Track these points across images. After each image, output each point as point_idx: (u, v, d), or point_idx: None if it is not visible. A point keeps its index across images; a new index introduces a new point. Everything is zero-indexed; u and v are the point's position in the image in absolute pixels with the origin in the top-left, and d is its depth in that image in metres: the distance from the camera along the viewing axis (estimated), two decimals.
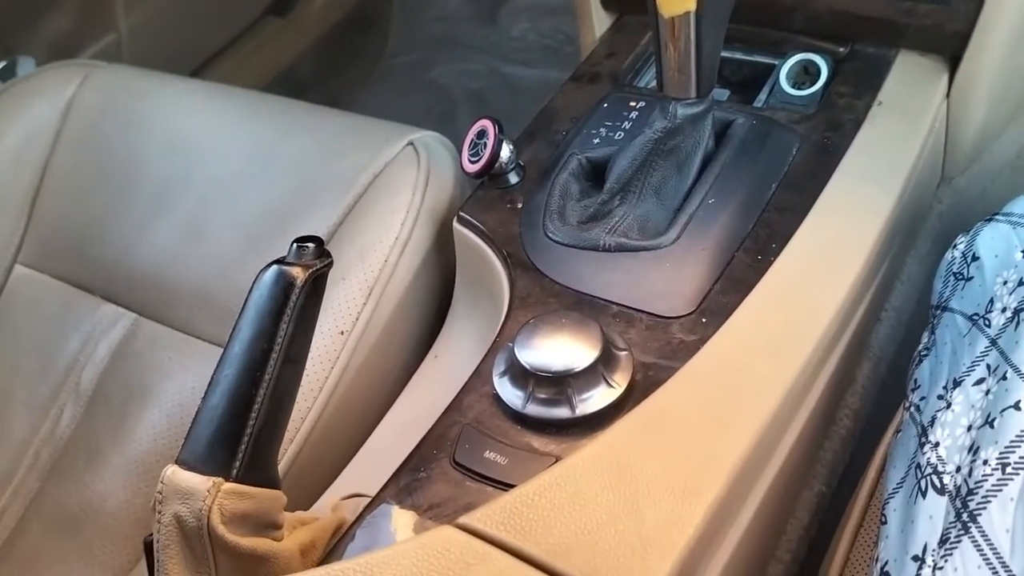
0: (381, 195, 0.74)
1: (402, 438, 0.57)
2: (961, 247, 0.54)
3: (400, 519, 0.49)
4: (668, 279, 0.56)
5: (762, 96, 0.69)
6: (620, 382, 0.50)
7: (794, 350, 0.50)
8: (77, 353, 0.83)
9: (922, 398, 0.47)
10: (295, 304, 0.48)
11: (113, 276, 0.85)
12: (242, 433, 0.46)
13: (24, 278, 0.90)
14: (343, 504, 0.59)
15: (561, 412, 0.49)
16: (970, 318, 0.49)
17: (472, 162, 0.66)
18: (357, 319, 0.69)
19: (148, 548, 0.49)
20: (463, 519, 0.40)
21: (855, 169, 0.61)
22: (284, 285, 0.48)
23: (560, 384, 0.49)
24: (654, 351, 0.52)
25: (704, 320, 0.53)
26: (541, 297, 0.58)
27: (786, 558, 0.54)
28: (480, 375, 0.55)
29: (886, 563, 0.40)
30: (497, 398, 0.52)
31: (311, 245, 0.49)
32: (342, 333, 0.69)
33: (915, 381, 0.50)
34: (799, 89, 0.67)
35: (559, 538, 0.39)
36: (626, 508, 0.40)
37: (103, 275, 0.85)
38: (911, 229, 0.66)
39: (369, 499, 0.53)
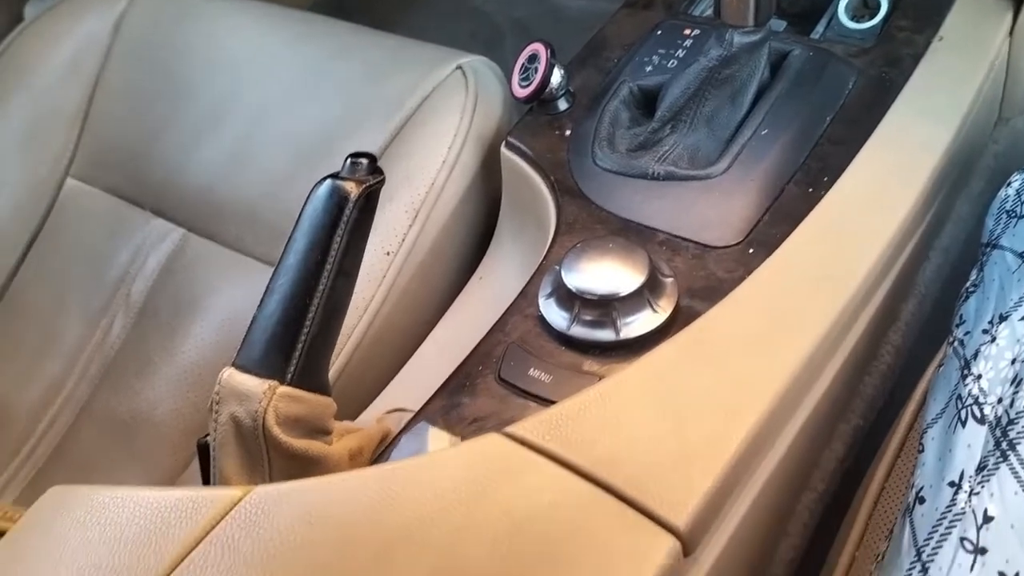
0: (429, 118, 0.75)
1: (445, 357, 0.58)
2: (1016, 185, 0.54)
3: (437, 438, 0.51)
4: (716, 209, 0.56)
5: (820, 28, 0.68)
6: (665, 308, 0.51)
7: (842, 282, 0.50)
8: (127, 266, 0.85)
9: (966, 333, 0.47)
10: (348, 218, 0.48)
11: (163, 192, 0.86)
12: (296, 340, 0.47)
13: (76, 191, 0.91)
14: (387, 417, 0.61)
15: (605, 334, 0.50)
16: (1020, 255, 0.48)
17: (522, 86, 0.66)
18: (403, 240, 0.70)
19: (202, 449, 0.51)
20: (510, 428, 0.42)
21: (912, 105, 0.60)
22: (338, 199, 0.49)
23: (605, 307, 0.50)
24: (700, 279, 0.53)
25: (751, 251, 0.53)
26: (588, 223, 0.58)
27: (820, 487, 0.55)
28: (526, 297, 0.55)
29: (921, 488, 0.41)
30: (542, 319, 0.53)
31: (365, 160, 0.50)
32: (388, 254, 0.70)
33: (960, 317, 0.50)
34: (858, 22, 0.66)
35: (604, 450, 0.40)
36: (670, 425, 0.41)
37: (153, 190, 0.87)
38: (965, 168, 0.65)
39: (412, 413, 0.55)
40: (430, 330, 0.69)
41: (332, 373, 0.69)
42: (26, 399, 0.84)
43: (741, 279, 0.51)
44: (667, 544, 0.37)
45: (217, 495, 0.40)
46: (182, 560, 0.38)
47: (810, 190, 0.56)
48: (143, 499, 0.41)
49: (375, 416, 0.62)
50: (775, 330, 0.46)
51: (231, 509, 0.39)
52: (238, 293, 0.81)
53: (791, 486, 0.52)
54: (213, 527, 0.39)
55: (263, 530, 0.38)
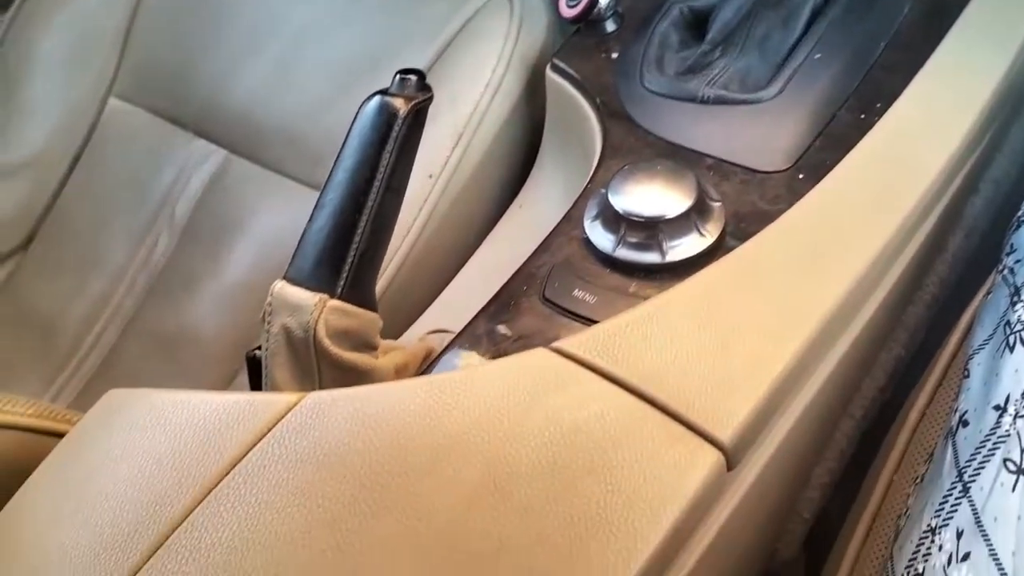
0: (472, 40, 0.74)
1: (486, 281, 0.59)
2: None
3: (469, 360, 0.52)
4: (766, 134, 0.55)
5: None
6: (711, 232, 0.51)
7: (891, 210, 0.49)
8: (171, 185, 0.86)
9: (1017, 261, 0.47)
10: (397, 135, 0.49)
11: (205, 112, 0.87)
12: (346, 255, 0.48)
13: (119, 111, 0.92)
14: (429, 337, 0.62)
15: (651, 257, 0.50)
16: None
17: (570, 6, 0.65)
18: (445, 164, 0.70)
19: (251, 362, 0.52)
20: (557, 344, 0.42)
21: (969, 31, 0.58)
22: (387, 115, 0.49)
23: (651, 230, 0.50)
24: (747, 204, 0.52)
25: (801, 176, 0.53)
26: (635, 147, 0.58)
27: (858, 414, 0.55)
28: (570, 219, 0.56)
29: (965, 412, 0.41)
30: (587, 242, 0.53)
31: (413, 77, 0.50)
32: (430, 176, 0.70)
33: (1011, 246, 0.49)
34: None
35: (649, 366, 0.40)
36: (716, 345, 0.41)
37: (195, 111, 0.87)
38: (1020, 98, 0.64)
39: (453, 335, 0.56)
40: (471, 254, 0.69)
41: (376, 292, 0.70)
42: (73, 314, 0.87)
43: (789, 205, 0.50)
44: (712, 458, 0.37)
45: (273, 399, 0.41)
46: (241, 459, 0.39)
47: (862, 116, 0.55)
48: (201, 401, 0.42)
49: (416, 336, 0.64)
50: (823, 256, 0.46)
51: (287, 413, 0.41)
52: (278, 215, 0.82)
53: (831, 412, 0.52)
54: (270, 429, 0.40)
55: (318, 433, 0.39)
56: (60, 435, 0.49)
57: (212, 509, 0.38)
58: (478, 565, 0.35)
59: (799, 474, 0.53)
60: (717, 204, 0.52)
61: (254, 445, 0.40)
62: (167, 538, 0.38)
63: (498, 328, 0.51)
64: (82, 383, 0.84)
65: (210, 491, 0.39)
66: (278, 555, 0.36)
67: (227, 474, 0.39)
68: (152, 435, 0.41)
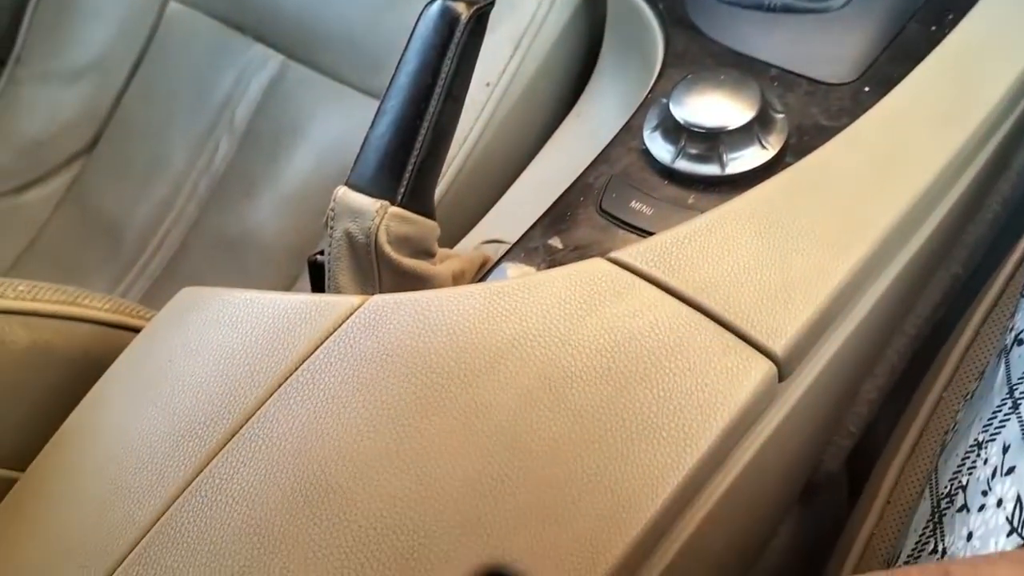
0: None
1: (541, 191, 0.59)
2: None
3: (523, 271, 0.52)
4: (834, 44, 0.54)
5: None
6: (773, 144, 0.50)
7: (958, 125, 0.48)
8: (231, 90, 0.87)
9: None
10: (459, 40, 0.48)
11: (263, 16, 0.87)
12: (407, 162, 0.49)
13: (178, 14, 0.92)
14: (484, 247, 0.63)
15: (710, 169, 0.50)
16: None
17: None
18: (503, 71, 0.69)
19: (312, 266, 0.54)
20: (614, 254, 0.43)
21: None
22: (449, 20, 0.48)
23: (712, 141, 0.50)
24: (811, 117, 0.52)
25: (867, 89, 0.52)
26: (698, 56, 0.57)
27: (911, 332, 0.55)
28: (629, 129, 0.55)
29: (1021, 331, 0.41)
30: (646, 153, 0.53)
31: None
32: (487, 84, 0.70)
33: None
34: None
35: (705, 277, 0.41)
36: (773, 256, 0.41)
37: (253, 15, 0.87)
38: None
39: (508, 245, 0.56)
40: (527, 164, 0.70)
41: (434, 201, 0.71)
42: (138, 217, 0.89)
43: (854, 118, 0.50)
44: (764, 367, 0.38)
45: (339, 300, 0.43)
46: (308, 356, 0.41)
47: (932, 28, 0.54)
48: (270, 301, 0.44)
49: (471, 246, 0.65)
50: (886, 169, 0.46)
51: (352, 314, 0.42)
52: (336, 121, 0.82)
53: (885, 326, 0.52)
54: (336, 329, 0.42)
55: (381, 333, 0.41)
56: (134, 330, 0.52)
57: (282, 402, 0.40)
58: (532, 462, 0.36)
59: (849, 389, 0.53)
60: (780, 116, 0.51)
61: (321, 343, 0.41)
62: (241, 427, 0.40)
63: (553, 239, 0.52)
64: (147, 284, 0.87)
65: (280, 385, 0.41)
66: (342, 447, 0.38)
67: (296, 370, 0.41)
68: (225, 331, 0.43)
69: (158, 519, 0.39)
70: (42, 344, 0.47)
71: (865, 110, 0.50)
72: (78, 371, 0.48)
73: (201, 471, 0.39)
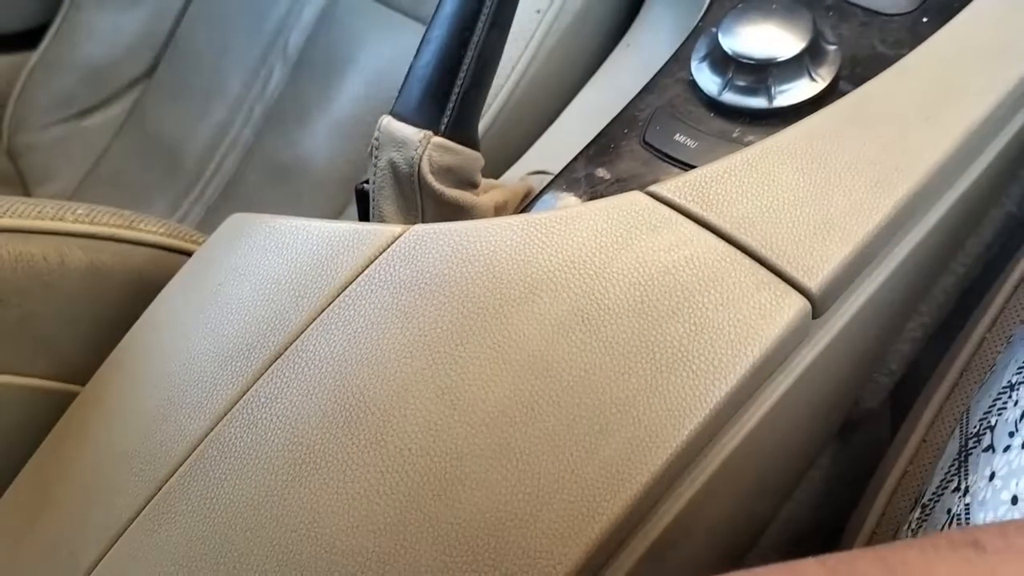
0: None
1: (588, 123, 0.59)
2: None
3: (566, 202, 0.52)
4: None
5: None
6: (824, 77, 0.49)
7: (1017, 60, 0.46)
8: (284, 16, 0.88)
9: None
10: None
11: None
12: (450, 92, 0.49)
13: None
14: (528, 178, 0.63)
15: (758, 102, 0.49)
16: None
17: None
18: None
19: (359, 194, 0.55)
20: (652, 188, 0.43)
21: None
22: None
23: (761, 72, 0.49)
24: (865, 48, 0.50)
25: (925, 20, 0.50)
26: None
27: (960, 271, 0.54)
28: (677, 60, 0.54)
29: None
30: (693, 84, 0.52)
31: None
32: (538, 12, 0.69)
33: None
34: None
35: (743, 213, 0.41)
36: (814, 193, 0.41)
37: None
38: None
39: (552, 176, 0.57)
40: (575, 95, 0.69)
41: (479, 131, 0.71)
42: (196, 141, 0.91)
43: (910, 49, 0.48)
44: (798, 304, 0.38)
45: (380, 229, 0.44)
46: (350, 283, 0.42)
47: None
48: (315, 228, 0.45)
49: (516, 177, 0.65)
50: (939, 103, 0.44)
51: (393, 243, 0.43)
52: (386, 48, 0.82)
53: (930, 266, 0.51)
54: (377, 257, 0.43)
55: (421, 262, 0.42)
56: (187, 254, 0.54)
57: (324, 327, 0.42)
58: (563, 391, 0.37)
59: (890, 326, 0.53)
60: (832, 48, 0.50)
61: (362, 271, 0.43)
62: (285, 350, 0.42)
63: (596, 171, 0.52)
64: (206, 208, 0.90)
65: (322, 311, 0.42)
66: (380, 371, 0.39)
67: (338, 296, 0.42)
68: (272, 257, 0.45)
69: (207, 434, 0.41)
70: (100, 266, 0.49)
71: (922, 41, 0.48)
72: (134, 293, 0.51)
73: (247, 390, 0.41)
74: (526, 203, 0.56)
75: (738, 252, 0.40)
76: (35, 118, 0.98)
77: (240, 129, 0.89)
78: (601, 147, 0.53)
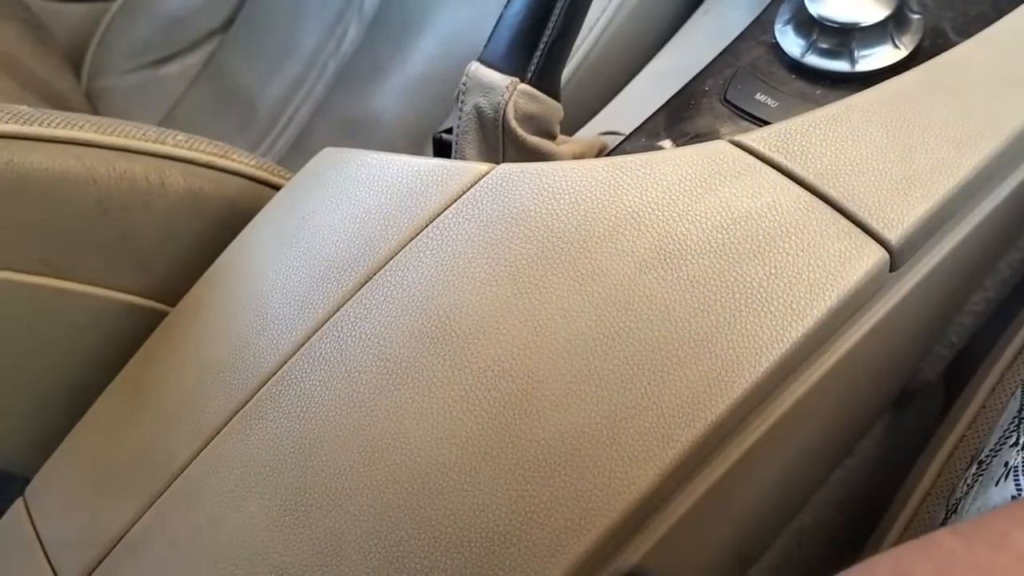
0: None
1: (664, 85, 0.60)
2: None
3: None
4: None
5: None
6: (907, 44, 0.50)
7: None
8: None
9: None
10: None
11: None
12: (538, 41, 0.50)
13: None
14: (602, 136, 0.65)
15: (840, 65, 0.50)
16: None
17: None
18: None
19: (437, 143, 0.57)
20: (738, 137, 0.44)
21: None
22: None
23: (845, 36, 0.50)
24: (949, 20, 0.51)
25: None
26: None
27: None
28: (760, 23, 0.55)
29: None
30: (775, 47, 0.53)
31: None
32: None
33: None
34: None
35: (826, 165, 0.42)
36: (897, 149, 0.42)
37: None
38: None
39: (624, 136, 0.58)
40: (651, 59, 0.70)
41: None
42: (270, 94, 0.94)
43: (992, 23, 0.49)
44: (877, 254, 0.39)
45: (468, 166, 0.45)
46: (439, 215, 0.44)
47: None
48: (405, 163, 0.47)
49: (592, 134, 0.66)
50: (1023, 71, 0.45)
51: (480, 179, 0.45)
52: (461, 9, 0.84)
53: (1001, 236, 0.52)
54: (465, 192, 0.44)
55: (507, 198, 0.43)
56: (276, 187, 0.56)
57: (413, 254, 0.44)
58: (643, 324, 0.39)
59: (957, 295, 0.53)
60: (916, 16, 0.50)
61: (451, 204, 0.44)
62: (375, 274, 0.44)
63: (675, 126, 0.53)
64: (277, 158, 0.92)
65: (411, 239, 0.44)
66: (466, 296, 0.41)
67: (426, 227, 0.44)
68: (363, 188, 0.47)
69: (299, 348, 0.43)
70: (196, 191, 0.51)
71: (1005, 15, 0.48)
72: (226, 219, 0.53)
73: (338, 309, 0.43)
74: (603, 155, 0.57)
75: (820, 202, 0.41)
76: (114, 64, 1.01)
77: (313, 84, 0.92)
78: (681, 103, 0.55)
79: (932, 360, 0.58)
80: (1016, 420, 0.41)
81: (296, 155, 0.91)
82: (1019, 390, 0.43)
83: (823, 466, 0.58)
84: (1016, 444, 0.39)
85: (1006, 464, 0.39)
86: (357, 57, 0.89)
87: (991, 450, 0.42)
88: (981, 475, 0.42)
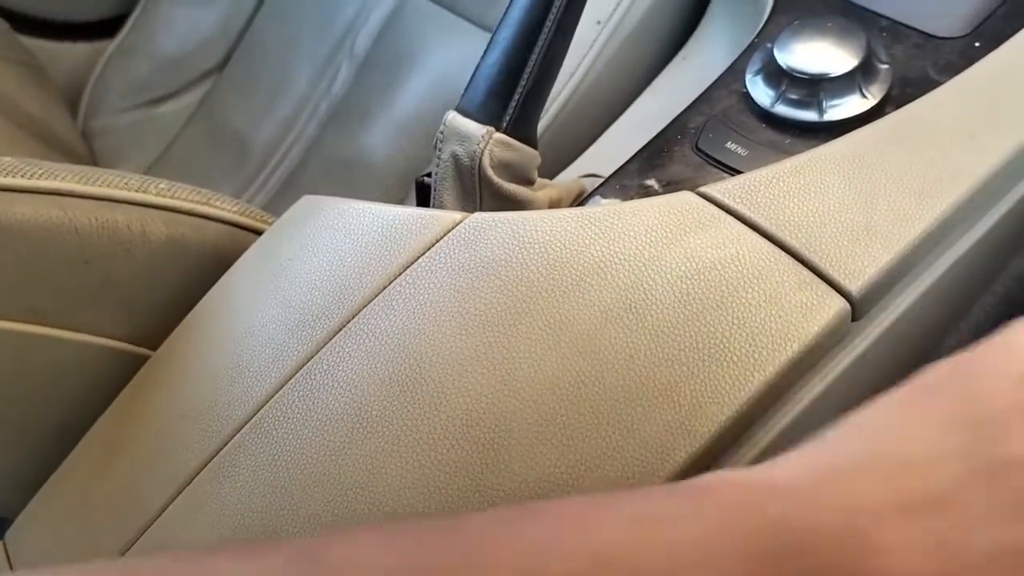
0: None
1: (642, 130, 0.61)
2: None
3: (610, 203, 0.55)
4: None
5: None
6: (874, 94, 0.51)
7: None
8: (353, 18, 0.92)
9: None
10: None
11: None
12: (514, 91, 0.51)
13: None
14: (582, 180, 0.66)
15: (809, 115, 0.51)
16: None
17: None
18: (614, 10, 0.71)
19: (419, 187, 0.58)
20: (702, 188, 0.45)
21: None
22: None
23: (813, 87, 0.51)
24: (917, 70, 0.52)
25: (978, 44, 0.52)
26: (808, 3, 0.57)
27: (1000, 291, 0.55)
28: (732, 73, 0.57)
29: None
30: (746, 96, 0.54)
31: None
32: (598, 23, 0.71)
33: None
34: None
35: (789, 216, 0.43)
36: (859, 200, 0.43)
37: None
38: None
39: (604, 179, 0.59)
40: (630, 104, 0.71)
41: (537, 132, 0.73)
42: (262, 133, 0.95)
43: (960, 72, 0.50)
44: (838, 305, 0.40)
45: (442, 215, 0.46)
46: (412, 263, 0.45)
47: None
48: (381, 212, 0.48)
49: (570, 179, 0.67)
50: (985, 124, 0.46)
51: (453, 228, 0.46)
52: (452, 53, 0.85)
53: (972, 283, 0.53)
54: (438, 240, 0.45)
55: (479, 247, 0.44)
56: (258, 232, 0.57)
57: (386, 302, 0.44)
58: (609, 373, 0.39)
59: (929, 342, 0.54)
60: (884, 67, 0.52)
61: (424, 253, 0.45)
62: (349, 321, 0.44)
63: (648, 173, 0.54)
64: (268, 197, 0.94)
65: (385, 287, 0.45)
66: (437, 345, 0.42)
67: (400, 275, 0.45)
68: (339, 236, 0.48)
69: (272, 396, 0.44)
70: (178, 238, 0.52)
71: (972, 64, 0.49)
72: (208, 265, 0.54)
73: (312, 357, 0.44)
74: (578, 202, 0.58)
75: (782, 252, 0.42)
76: (110, 103, 1.03)
77: (305, 124, 0.93)
78: (654, 151, 0.56)
79: None
80: None
81: (288, 194, 0.93)
82: None
83: None
84: None
85: None
86: (348, 98, 0.91)
87: None
88: None
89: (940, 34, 0.53)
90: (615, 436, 0.38)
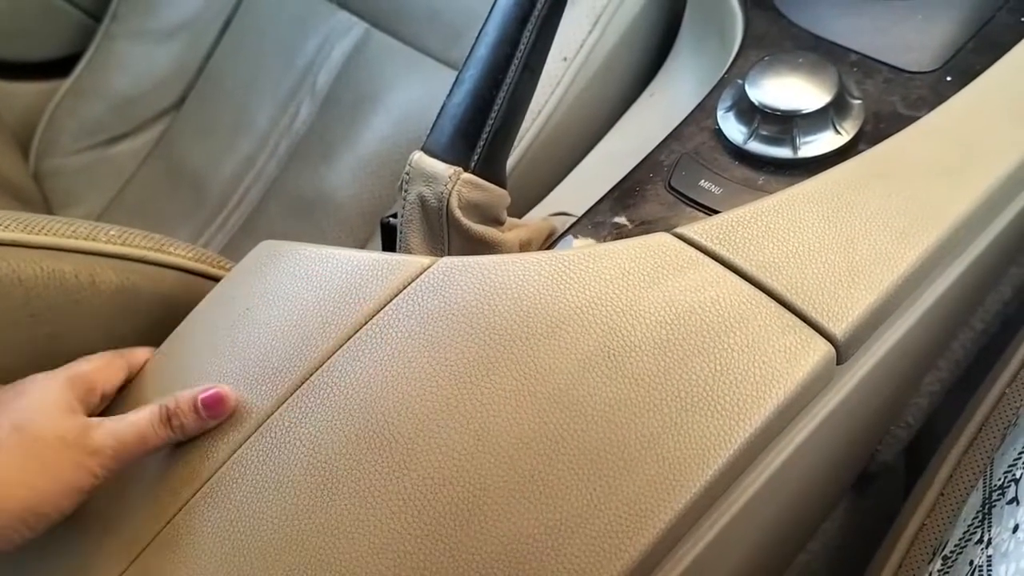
0: None
1: (612, 167, 0.60)
2: None
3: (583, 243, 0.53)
4: (917, 32, 0.53)
5: None
6: (848, 130, 0.50)
7: None
8: (314, 55, 0.90)
9: None
10: (539, 13, 0.49)
11: None
12: (481, 130, 0.50)
13: None
14: (552, 218, 0.64)
15: (783, 152, 0.50)
16: None
17: None
18: (581, 47, 0.70)
19: (385, 228, 0.55)
20: (679, 229, 0.43)
21: None
22: None
23: (786, 123, 0.50)
24: (889, 104, 0.51)
25: (949, 79, 0.51)
26: (777, 39, 0.57)
27: (978, 327, 0.55)
28: (703, 109, 0.56)
29: None
30: (718, 133, 0.53)
31: None
32: (565, 59, 0.70)
33: None
34: None
35: (769, 257, 0.41)
36: (840, 240, 0.42)
37: None
38: None
39: (575, 218, 0.57)
40: (599, 140, 0.70)
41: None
42: (221, 172, 0.93)
43: (932, 107, 0.49)
44: (823, 349, 0.38)
45: (409, 260, 0.44)
46: (378, 311, 0.43)
47: (1022, 19, 0.52)
48: (344, 257, 0.46)
49: (540, 217, 0.66)
50: (961, 160, 0.45)
51: (421, 274, 0.44)
52: (416, 90, 0.84)
53: (950, 321, 0.52)
54: (405, 287, 0.43)
55: (448, 293, 0.42)
56: (214, 279, 0.55)
57: (351, 354, 0.42)
58: (587, 426, 0.37)
59: (910, 379, 0.53)
60: (857, 102, 0.51)
61: (390, 300, 0.43)
62: (311, 375, 0.42)
63: (620, 213, 0.53)
64: (227, 238, 0.91)
65: (349, 338, 0.43)
66: (406, 400, 0.40)
67: (365, 324, 0.43)
68: (300, 284, 0.45)
69: (230, 456, 0.41)
70: (129, 287, 0.49)
71: (945, 99, 0.49)
72: (162, 314, 0.51)
73: (272, 414, 0.42)
74: (549, 242, 0.56)
75: (764, 295, 0.40)
76: (63, 144, 0.99)
77: (265, 162, 0.91)
78: (626, 190, 0.54)
79: (889, 442, 0.58)
80: (979, 516, 0.40)
81: (247, 234, 0.90)
82: (980, 481, 0.43)
83: (784, 554, 0.56)
84: (981, 541, 0.38)
85: (971, 563, 0.38)
86: (310, 135, 0.89)
87: (956, 545, 0.41)
88: (947, 572, 0.41)
89: (911, 68, 0.52)
90: (596, 493, 0.36)
